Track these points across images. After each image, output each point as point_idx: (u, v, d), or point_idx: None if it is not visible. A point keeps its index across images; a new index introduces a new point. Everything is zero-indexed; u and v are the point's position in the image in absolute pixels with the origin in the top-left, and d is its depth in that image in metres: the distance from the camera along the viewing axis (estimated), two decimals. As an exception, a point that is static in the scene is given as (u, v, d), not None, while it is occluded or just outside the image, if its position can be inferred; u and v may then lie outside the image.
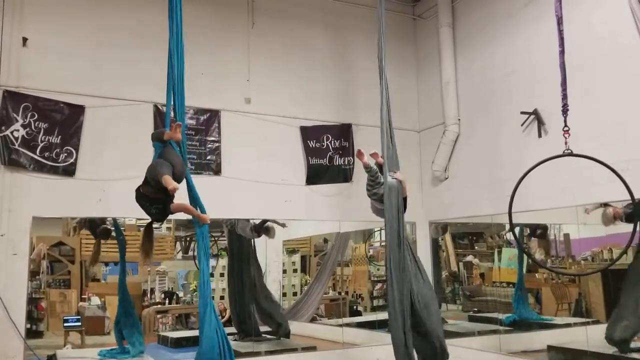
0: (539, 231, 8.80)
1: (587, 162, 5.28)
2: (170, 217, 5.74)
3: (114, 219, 7.79)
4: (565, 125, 4.99)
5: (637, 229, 4.70)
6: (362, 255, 11.60)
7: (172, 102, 5.63)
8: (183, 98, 5.63)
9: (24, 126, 6.86)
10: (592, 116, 6.42)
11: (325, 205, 8.63)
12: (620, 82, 6.38)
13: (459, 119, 8.71)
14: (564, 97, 5.04)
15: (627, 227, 6.87)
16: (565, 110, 5.03)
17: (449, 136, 8.72)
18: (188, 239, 11.33)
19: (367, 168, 6.23)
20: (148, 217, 5.50)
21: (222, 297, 11.12)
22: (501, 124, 7.98)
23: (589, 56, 6.62)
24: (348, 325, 9.93)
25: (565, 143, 4.95)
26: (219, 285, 11.16)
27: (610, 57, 6.50)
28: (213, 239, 10.75)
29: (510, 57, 7.93)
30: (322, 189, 8.64)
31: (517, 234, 7.23)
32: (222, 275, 11.19)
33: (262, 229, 9.29)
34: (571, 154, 4.95)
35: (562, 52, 5.10)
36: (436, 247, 9.52)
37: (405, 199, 6.47)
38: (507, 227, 8.82)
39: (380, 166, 6.55)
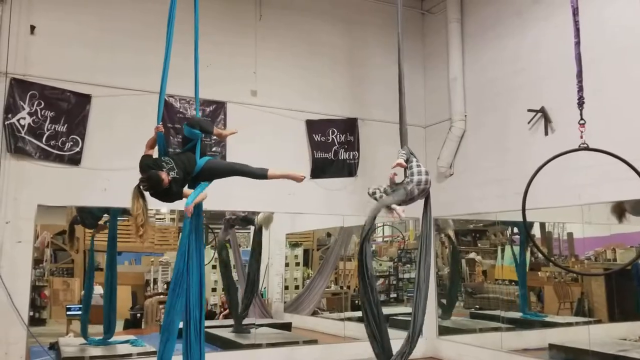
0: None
1: (594, 161, 5.20)
2: (174, 207, 5.65)
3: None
4: (582, 119, 4.76)
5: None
6: (365, 250, 11.57)
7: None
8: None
9: (30, 114, 6.87)
10: (603, 113, 6.29)
11: (329, 199, 8.63)
12: (633, 79, 6.31)
13: (466, 116, 8.69)
14: (580, 89, 4.84)
15: (633, 227, 6.88)
16: (581, 103, 4.81)
17: (455, 132, 8.70)
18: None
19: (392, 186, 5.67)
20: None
21: (223, 289, 11.13)
22: (508, 121, 7.95)
23: (602, 52, 6.55)
24: (349, 319, 9.92)
25: (581, 137, 4.74)
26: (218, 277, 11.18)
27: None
28: (211, 231, 10.77)
29: (518, 54, 7.90)
30: (327, 183, 8.64)
31: (529, 230, 7.11)
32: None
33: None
34: (587, 148, 4.77)
35: (577, 44, 4.92)
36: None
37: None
38: (509, 226, 8.90)
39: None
